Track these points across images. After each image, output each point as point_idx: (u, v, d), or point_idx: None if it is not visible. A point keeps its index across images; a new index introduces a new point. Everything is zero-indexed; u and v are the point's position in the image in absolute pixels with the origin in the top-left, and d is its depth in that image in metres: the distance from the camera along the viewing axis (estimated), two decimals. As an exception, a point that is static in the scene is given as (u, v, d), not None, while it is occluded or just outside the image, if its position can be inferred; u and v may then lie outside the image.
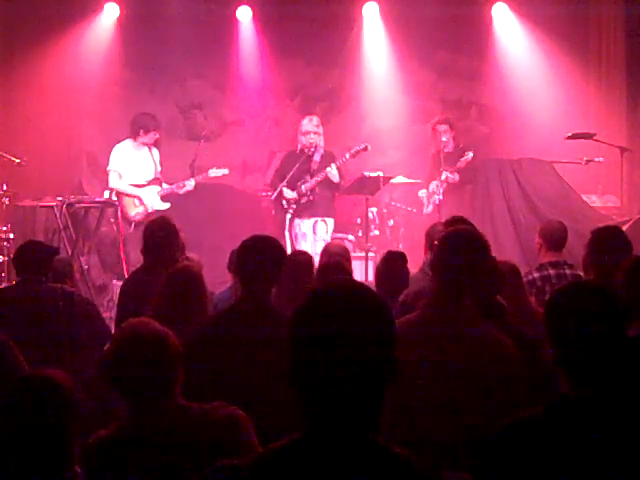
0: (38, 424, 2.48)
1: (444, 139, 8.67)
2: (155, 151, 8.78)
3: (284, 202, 8.39)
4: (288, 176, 8.32)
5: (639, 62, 9.84)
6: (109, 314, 7.16)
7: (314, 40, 10.19)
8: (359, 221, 9.10)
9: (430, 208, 8.81)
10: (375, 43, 10.34)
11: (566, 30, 9.78)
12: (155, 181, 8.74)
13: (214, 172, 8.83)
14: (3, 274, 7.98)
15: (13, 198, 8.47)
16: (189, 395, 2.70)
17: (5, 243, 8.08)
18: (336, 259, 4.95)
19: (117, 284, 7.80)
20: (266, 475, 1.66)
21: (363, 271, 7.97)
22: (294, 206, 8.37)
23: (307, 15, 9.90)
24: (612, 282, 3.56)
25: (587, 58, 10.06)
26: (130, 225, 8.53)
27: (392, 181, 8.73)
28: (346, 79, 10.53)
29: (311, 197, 8.36)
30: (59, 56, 9.76)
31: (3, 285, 7.57)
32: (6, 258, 7.91)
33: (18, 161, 8.51)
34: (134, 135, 8.67)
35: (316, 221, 8.40)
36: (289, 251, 7.06)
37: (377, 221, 9.23)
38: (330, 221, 8.46)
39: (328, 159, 8.36)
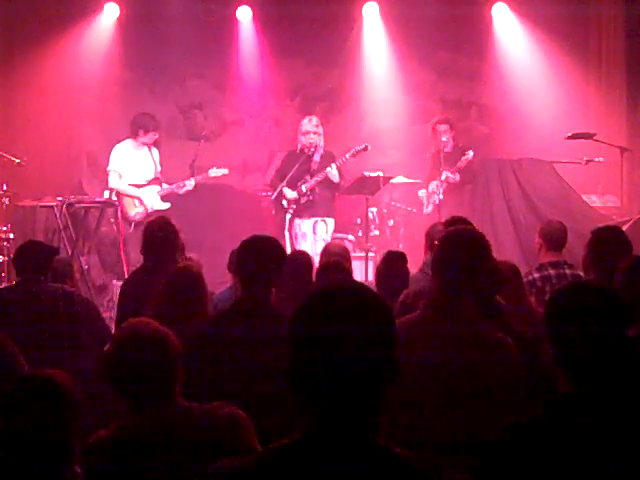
0: (38, 424, 2.48)
1: (444, 139, 8.67)
2: (155, 151, 8.79)
3: (284, 202, 8.39)
4: (288, 176, 8.32)
5: (639, 62, 9.84)
6: (109, 314, 7.16)
7: (314, 40, 10.19)
8: (359, 221, 9.10)
9: (430, 208, 8.81)
10: (375, 43, 10.34)
11: (566, 30, 9.77)
12: (155, 181, 8.74)
13: (214, 172, 8.83)
14: (3, 274, 7.98)
15: (13, 198, 8.47)
16: (189, 395, 2.70)
17: (5, 243, 8.08)
18: (336, 259, 4.95)
19: (117, 284, 7.80)
20: (266, 475, 1.66)
21: (363, 271, 7.97)
22: (294, 206, 8.37)
23: (307, 15, 9.90)
24: (612, 282, 3.56)
25: (587, 58, 10.06)
26: (130, 225, 8.53)
27: (392, 181, 8.73)
28: (346, 79, 10.53)
29: (311, 197, 8.36)
30: (59, 56, 9.76)
31: (3, 285, 7.57)
32: (6, 258, 7.91)
33: (18, 161, 8.51)
34: (133, 135, 8.67)
35: (316, 221, 8.40)
36: (289, 251, 7.06)
37: (377, 221, 9.24)
38: (330, 221, 8.46)
39: (328, 159, 8.37)
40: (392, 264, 4.77)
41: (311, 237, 8.37)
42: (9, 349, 3.42)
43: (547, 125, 9.89)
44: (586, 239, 4.54)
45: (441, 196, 8.53)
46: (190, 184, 8.73)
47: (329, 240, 8.03)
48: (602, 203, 8.78)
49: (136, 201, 8.63)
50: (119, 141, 8.77)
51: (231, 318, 3.48)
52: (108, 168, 8.72)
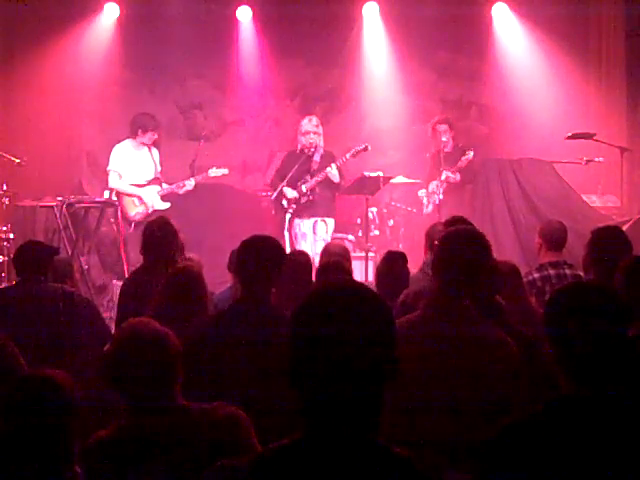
0: (38, 424, 2.48)
1: (444, 139, 8.67)
2: (155, 151, 8.79)
3: (284, 202, 8.39)
4: (288, 176, 8.32)
5: (639, 62, 9.84)
6: (109, 314, 7.16)
7: (314, 40, 10.19)
8: (359, 221, 9.10)
9: (430, 208, 8.81)
10: (375, 43, 10.34)
11: (566, 30, 9.78)
12: (155, 181, 8.74)
13: (214, 172, 8.83)
14: (3, 274, 7.98)
15: (13, 198, 8.48)
16: (189, 395, 2.70)
17: (5, 243, 8.08)
18: (336, 259, 4.95)
19: (117, 284, 7.80)
20: (266, 475, 1.66)
21: (363, 271, 7.97)
22: (294, 206, 8.37)
23: (307, 15, 9.90)
24: (612, 282, 3.57)
25: (587, 58, 10.06)
26: (130, 225, 8.53)
27: (392, 181, 8.73)
28: (346, 79, 10.53)
29: (311, 197, 8.36)
30: (59, 56, 9.77)
31: (3, 285, 7.57)
32: (6, 258, 7.91)
33: (18, 161, 8.51)
34: (133, 135, 8.68)
35: (316, 221, 8.39)
36: (289, 251, 7.05)
37: (377, 221, 9.24)
38: (330, 221, 8.46)
39: (328, 159, 8.37)
40: (392, 264, 4.77)
41: (311, 237, 8.37)
42: (9, 349, 3.42)
43: (547, 125, 9.89)
44: (586, 239, 4.54)
45: (441, 196, 8.53)
46: (190, 184, 8.73)
47: (329, 240, 8.03)
48: (602, 203, 8.78)
49: (136, 201, 8.63)
50: (119, 141, 8.78)
51: (231, 318, 3.47)
52: (108, 168, 8.73)
